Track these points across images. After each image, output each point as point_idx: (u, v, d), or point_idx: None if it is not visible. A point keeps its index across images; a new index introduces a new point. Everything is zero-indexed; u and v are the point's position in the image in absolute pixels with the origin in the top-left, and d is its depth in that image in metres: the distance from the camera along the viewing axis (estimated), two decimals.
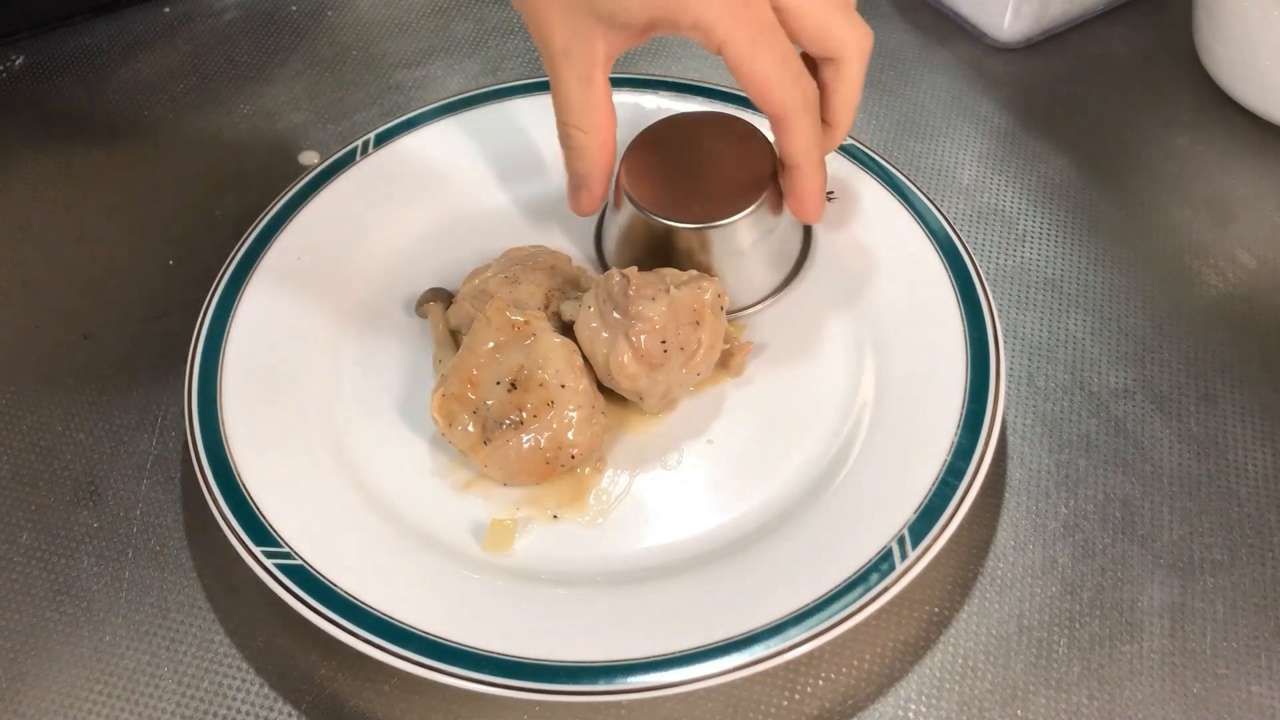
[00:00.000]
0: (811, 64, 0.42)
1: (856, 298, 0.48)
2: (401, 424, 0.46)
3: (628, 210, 0.46)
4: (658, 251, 0.46)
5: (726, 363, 0.46)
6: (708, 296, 0.43)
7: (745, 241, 0.46)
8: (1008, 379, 0.47)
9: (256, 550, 0.40)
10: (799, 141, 0.41)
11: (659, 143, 0.47)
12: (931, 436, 0.42)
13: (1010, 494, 0.44)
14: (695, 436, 0.45)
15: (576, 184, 0.45)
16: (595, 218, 0.51)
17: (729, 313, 0.46)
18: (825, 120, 0.43)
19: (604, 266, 0.50)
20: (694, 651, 0.37)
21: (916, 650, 0.40)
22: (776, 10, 0.39)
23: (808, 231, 0.50)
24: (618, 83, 0.55)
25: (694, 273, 0.44)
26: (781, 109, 0.40)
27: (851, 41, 0.40)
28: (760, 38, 0.38)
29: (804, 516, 0.42)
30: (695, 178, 0.46)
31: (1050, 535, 0.43)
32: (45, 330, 0.52)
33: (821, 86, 0.42)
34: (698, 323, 0.43)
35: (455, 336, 0.48)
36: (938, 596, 0.41)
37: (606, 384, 0.44)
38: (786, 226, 0.48)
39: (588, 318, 0.44)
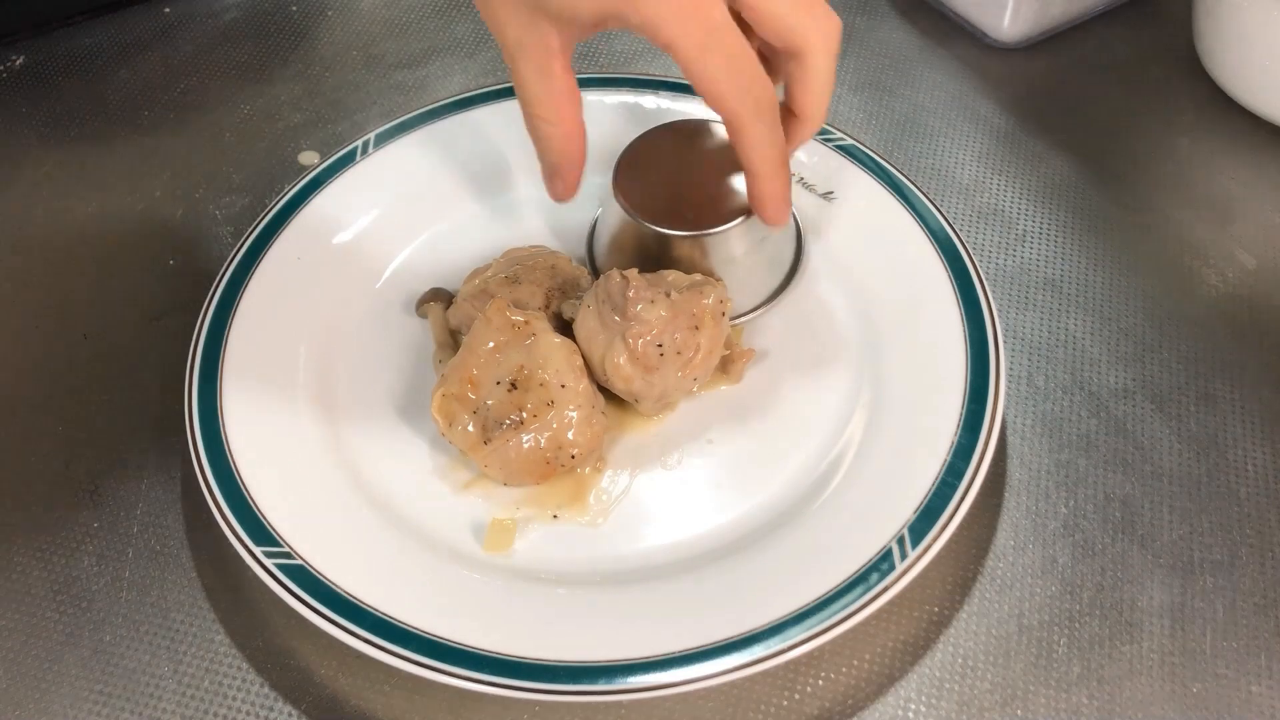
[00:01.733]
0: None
1: (856, 298, 0.48)
2: (401, 424, 0.46)
3: (620, 217, 0.46)
4: (649, 259, 0.46)
5: (726, 369, 0.46)
6: (709, 301, 0.43)
7: (738, 249, 0.46)
8: (1008, 379, 0.47)
9: (256, 550, 0.40)
10: (751, 148, 0.39)
11: (652, 150, 0.47)
12: (931, 436, 0.42)
13: (1010, 494, 0.44)
14: (695, 436, 0.45)
15: (550, 173, 0.45)
16: (588, 225, 0.51)
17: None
18: (794, 113, 0.42)
19: (595, 273, 0.50)
20: (694, 651, 0.37)
21: (916, 650, 0.40)
22: (736, 2, 0.37)
23: (800, 239, 0.50)
24: (618, 83, 0.56)
25: (698, 276, 0.44)
26: (730, 115, 0.38)
27: (815, 34, 0.39)
28: (709, 40, 0.36)
29: (804, 516, 0.42)
30: (688, 185, 0.46)
31: (1050, 535, 0.43)
32: (45, 330, 0.52)
33: (788, 79, 0.41)
34: (697, 327, 0.43)
35: (455, 336, 0.48)
36: (938, 596, 0.41)
37: (602, 384, 0.44)
38: (779, 234, 0.48)
39: (586, 317, 0.44)
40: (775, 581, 0.39)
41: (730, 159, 0.47)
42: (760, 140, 0.39)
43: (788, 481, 0.43)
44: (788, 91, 0.41)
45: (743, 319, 0.48)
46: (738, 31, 0.37)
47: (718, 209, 0.45)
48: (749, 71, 0.38)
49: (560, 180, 0.44)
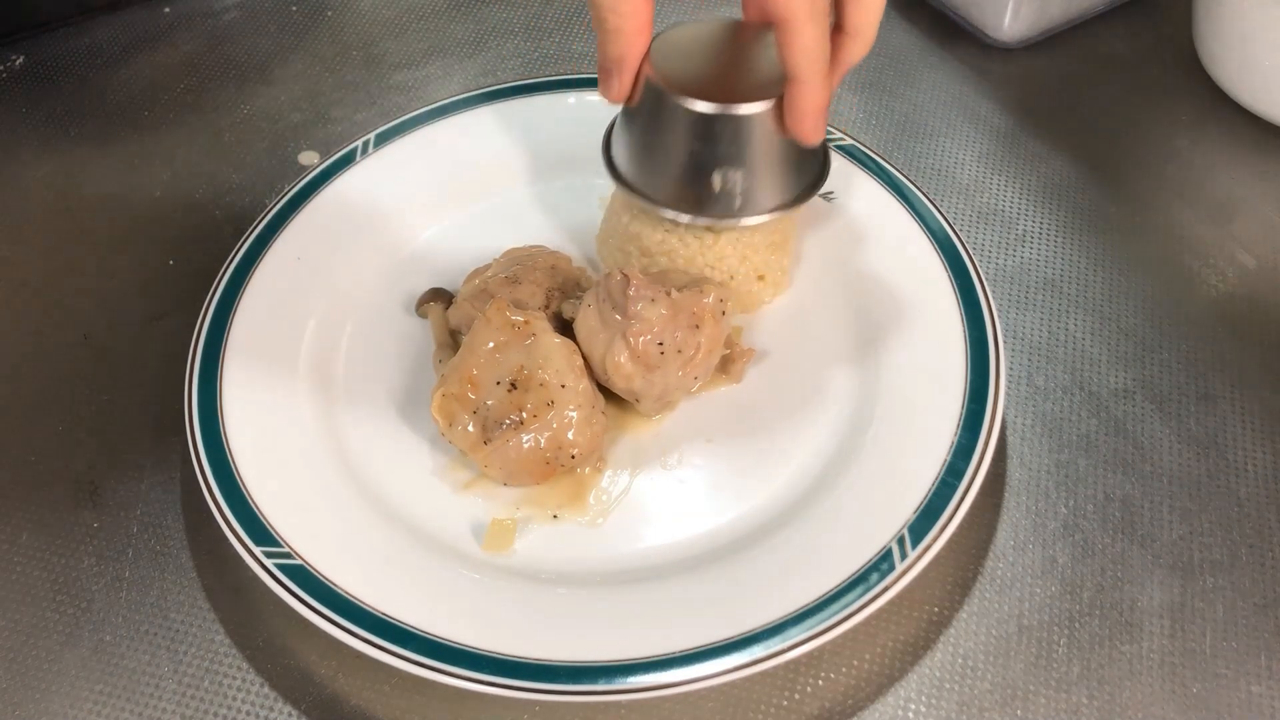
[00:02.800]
0: None
1: (857, 298, 0.48)
2: (401, 424, 0.46)
3: (647, 91, 0.44)
4: (667, 138, 0.44)
5: (726, 368, 0.46)
6: (709, 300, 0.43)
7: (762, 134, 0.43)
8: (1008, 379, 0.47)
9: (256, 550, 0.40)
10: (800, 49, 0.39)
11: (688, 37, 0.45)
12: (931, 436, 0.42)
13: (1010, 494, 0.44)
14: (695, 436, 0.45)
15: (608, 69, 0.44)
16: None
17: (740, 211, 0.45)
18: (845, 30, 0.41)
19: (609, 164, 0.47)
20: (694, 651, 0.37)
21: (916, 650, 0.40)
22: None
23: (825, 154, 0.47)
24: None
25: (698, 276, 0.44)
26: (786, 13, 0.38)
27: None
28: None
29: (804, 516, 0.42)
30: (721, 67, 0.44)
31: (1050, 535, 0.43)
32: (45, 330, 0.52)
33: None
34: (697, 326, 0.43)
35: (455, 336, 0.48)
36: (938, 596, 0.41)
37: (603, 383, 0.44)
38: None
39: (587, 316, 0.44)
40: (775, 581, 0.39)
41: (767, 52, 0.44)
42: (810, 42, 0.39)
43: (788, 481, 0.43)
44: (839, 8, 0.41)
45: (765, 217, 0.46)
46: None
47: (750, 90, 0.43)
48: None
49: (616, 79, 0.43)
